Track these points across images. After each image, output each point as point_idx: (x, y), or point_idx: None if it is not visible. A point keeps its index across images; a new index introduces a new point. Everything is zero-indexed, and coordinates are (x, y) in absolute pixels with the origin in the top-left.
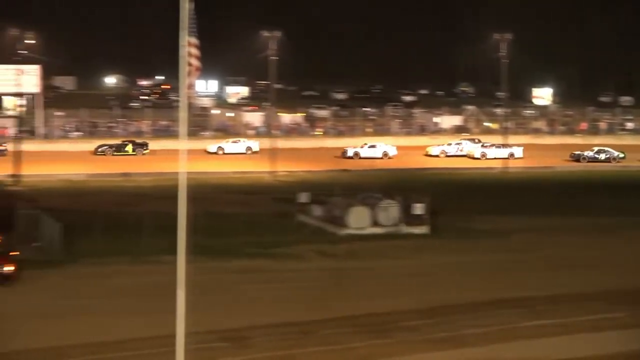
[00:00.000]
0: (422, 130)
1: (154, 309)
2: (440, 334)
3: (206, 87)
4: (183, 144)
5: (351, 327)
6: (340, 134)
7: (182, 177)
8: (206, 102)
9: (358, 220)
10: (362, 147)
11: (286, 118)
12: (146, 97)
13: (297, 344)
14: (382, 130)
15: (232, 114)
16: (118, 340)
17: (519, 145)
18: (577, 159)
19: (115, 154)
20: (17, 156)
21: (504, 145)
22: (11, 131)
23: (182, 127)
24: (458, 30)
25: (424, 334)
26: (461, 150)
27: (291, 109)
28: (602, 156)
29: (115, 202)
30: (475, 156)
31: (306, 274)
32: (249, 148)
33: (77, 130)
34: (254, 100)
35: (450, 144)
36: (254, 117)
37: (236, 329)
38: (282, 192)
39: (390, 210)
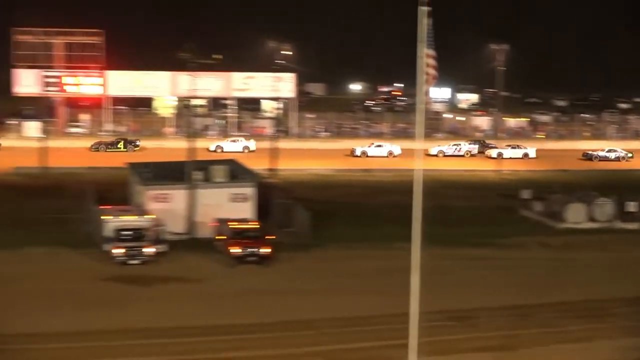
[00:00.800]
0: (636, 135)
1: (390, 289)
2: None
3: (440, 93)
4: (419, 144)
5: (567, 311)
6: (561, 137)
7: (417, 174)
8: (439, 107)
9: (575, 215)
10: (369, 146)
11: (511, 122)
12: (376, 103)
13: (518, 325)
14: (598, 135)
15: (463, 118)
16: (358, 316)
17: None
18: (589, 158)
19: (109, 150)
20: (274, 152)
21: (519, 147)
22: (268, 131)
23: (419, 129)
24: None
25: (635, 320)
26: (459, 151)
27: (516, 114)
28: (612, 155)
29: (358, 194)
30: (492, 156)
31: (526, 262)
32: (246, 147)
33: (326, 131)
34: (482, 106)
35: (449, 145)
36: (482, 121)
37: (463, 309)
38: (506, 189)
39: (605, 207)
